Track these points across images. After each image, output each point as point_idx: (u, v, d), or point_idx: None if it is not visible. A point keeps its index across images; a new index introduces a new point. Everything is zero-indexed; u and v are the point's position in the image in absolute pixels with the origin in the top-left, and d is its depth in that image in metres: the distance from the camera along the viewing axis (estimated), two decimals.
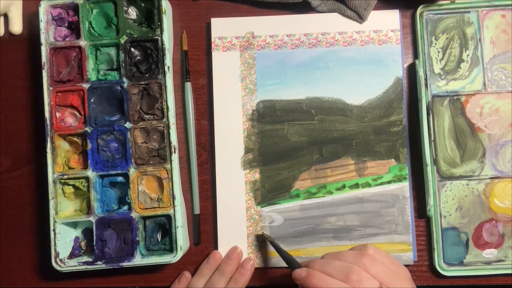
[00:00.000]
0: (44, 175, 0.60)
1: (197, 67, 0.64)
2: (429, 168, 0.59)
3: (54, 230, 0.58)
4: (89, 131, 0.59)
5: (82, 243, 0.61)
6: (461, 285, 0.61)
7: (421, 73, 0.61)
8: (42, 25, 0.60)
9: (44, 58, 0.60)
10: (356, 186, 0.61)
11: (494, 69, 0.62)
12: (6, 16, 0.64)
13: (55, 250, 0.58)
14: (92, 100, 0.60)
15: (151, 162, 0.60)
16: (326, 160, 0.62)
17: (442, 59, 0.62)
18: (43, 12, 0.60)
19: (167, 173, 0.59)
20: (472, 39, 0.62)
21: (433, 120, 0.61)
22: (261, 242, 0.61)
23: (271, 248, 0.61)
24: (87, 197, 0.60)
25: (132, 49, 0.61)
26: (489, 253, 0.60)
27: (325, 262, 0.50)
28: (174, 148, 0.59)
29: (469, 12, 0.62)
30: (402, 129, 0.62)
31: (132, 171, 0.59)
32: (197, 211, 0.62)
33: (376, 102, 0.62)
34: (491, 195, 0.61)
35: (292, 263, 0.54)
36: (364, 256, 0.49)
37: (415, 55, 0.63)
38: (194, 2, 0.64)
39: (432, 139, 0.61)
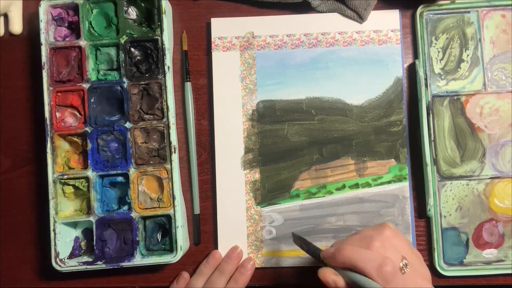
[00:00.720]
0: (44, 175, 0.60)
1: (197, 67, 0.64)
2: (429, 168, 0.59)
3: (54, 230, 0.58)
4: (89, 131, 0.59)
5: (82, 243, 0.61)
6: (461, 285, 0.61)
7: (421, 73, 0.61)
8: (42, 25, 0.60)
9: (44, 58, 0.60)
10: (356, 186, 0.61)
11: (494, 69, 0.62)
12: (6, 16, 0.64)
13: (55, 250, 0.58)
14: (92, 100, 0.60)
15: (151, 162, 0.60)
16: (326, 160, 0.62)
17: (442, 59, 0.62)
18: (43, 12, 0.60)
19: (167, 173, 0.59)
20: (472, 39, 0.62)
21: (433, 120, 0.61)
22: (261, 242, 0.61)
23: (271, 249, 0.61)
24: (87, 197, 0.60)
25: (132, 49, 0.61)
26: (489, 253, 0.60)
27: (347, 238, 0.50)
28: (174, 148, 0.59)
29: (469, 12, 0.62)
30: (402, 129, 0.62)
31: (132, 171, 0.59)
32: (197, 211, 0.62)
33: (376, 102, 0.62)
34: (491, 195, 0.60)
35: (316, 251, 0.52)
36: (385, 228, 0.49)
37: (415, 55, 0.63)
38: (194, 2, 0.64)
39: (432, 139, 0.61)
